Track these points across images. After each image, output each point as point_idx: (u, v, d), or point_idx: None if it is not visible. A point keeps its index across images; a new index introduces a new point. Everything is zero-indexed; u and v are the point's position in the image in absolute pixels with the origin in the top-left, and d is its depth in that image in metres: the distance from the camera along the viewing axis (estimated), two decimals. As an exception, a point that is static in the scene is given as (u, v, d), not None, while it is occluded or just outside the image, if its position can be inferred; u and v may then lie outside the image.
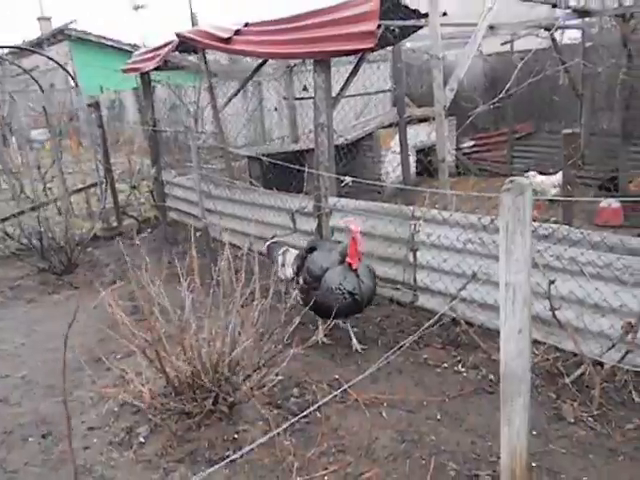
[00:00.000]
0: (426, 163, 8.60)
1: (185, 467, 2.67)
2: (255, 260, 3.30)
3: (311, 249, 4.00)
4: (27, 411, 3.17)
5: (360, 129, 9.01)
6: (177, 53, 6.35)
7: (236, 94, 6.16)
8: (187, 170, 7.23)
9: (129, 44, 19.94)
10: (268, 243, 4.59)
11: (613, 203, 5.93)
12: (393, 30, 4.10)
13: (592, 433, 2.81)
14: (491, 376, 3.36)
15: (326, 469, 2.65)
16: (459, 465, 2.63)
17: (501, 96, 4.51)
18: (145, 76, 6.78)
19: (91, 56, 19.32)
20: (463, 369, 3.46)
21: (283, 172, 7.05)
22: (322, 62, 4.43)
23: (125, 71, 6.81)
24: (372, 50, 4.15)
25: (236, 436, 2.90)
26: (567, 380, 3.15)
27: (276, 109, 9.26)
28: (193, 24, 16.10)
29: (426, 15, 4.13)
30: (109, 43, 20.56)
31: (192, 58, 7.25)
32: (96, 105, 6.85)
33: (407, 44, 8.21)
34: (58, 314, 4.63)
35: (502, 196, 1.99)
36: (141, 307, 4.45)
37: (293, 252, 4.25)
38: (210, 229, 6.17)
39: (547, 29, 7.26)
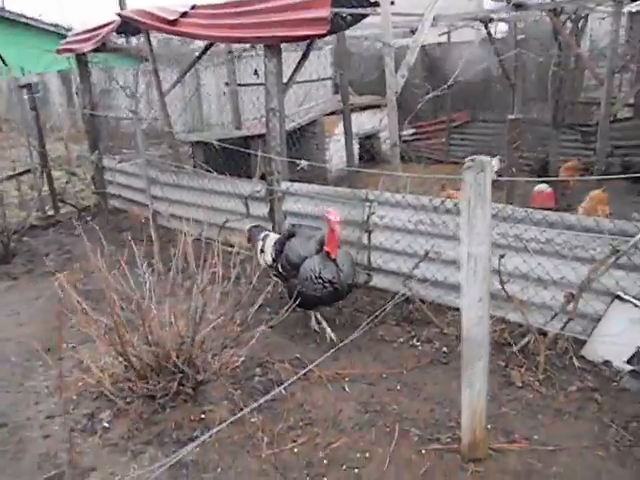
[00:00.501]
0: (371, 150, 8.77)
1: (153, 448, 2.67)
2: (205, 246, 3.28)
3: (290, 235, 3.92)
4: (-22, 403, 3.03)
5: (303, 116, 9.06)
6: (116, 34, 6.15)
7: (182, 77, 6.04)
8: (127, 156, 7.02)
9: (52, 24, 18.82)
10: (249, 227, 4.47)
11: (546, 188, 6.31)
12: (344, 17, 4.16)
13: (539, 396, 3.04)
14: (444, 348, 3.55)
15: (295, 442, 2.72)
16: (421, 430, 2.78)
17: (447, 84, 4.70)
18: (82, 57, 6.51)
19: (9, 36, 18.10)
20: (418, 343, 3.62)
21: (228, 158, 6.99)
22: (273, 47, 4.45)
23: (59, 52, 6.51)
24: (324, 36, 4.21)
25: (203, 416, 2.93)
26: (514, 349, 3.37)
27: (224, 94, 9.09)
28: (121, 7, 15.47)
29: (377, 4, 4.22)
30: (31, 22, 19.33)
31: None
32: (29, 87, 6.51)
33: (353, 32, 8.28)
34: (-2, 305, 4.43)
35: (464, 173, 2.12)
36: (91, 295, 4.37)
37: (273, 237, 4.15)
38: (157, 216, 6.05)
39: (482, 21, 7.59)
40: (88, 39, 6.02)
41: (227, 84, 9.01)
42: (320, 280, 3.47)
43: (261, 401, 2.69)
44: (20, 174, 7.27)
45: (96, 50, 6.20)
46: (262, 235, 4.23)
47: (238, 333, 3.20)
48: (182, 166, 5.74)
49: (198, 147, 7.94)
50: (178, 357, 2.96)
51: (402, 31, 10.02)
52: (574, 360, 3.26)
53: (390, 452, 2.62)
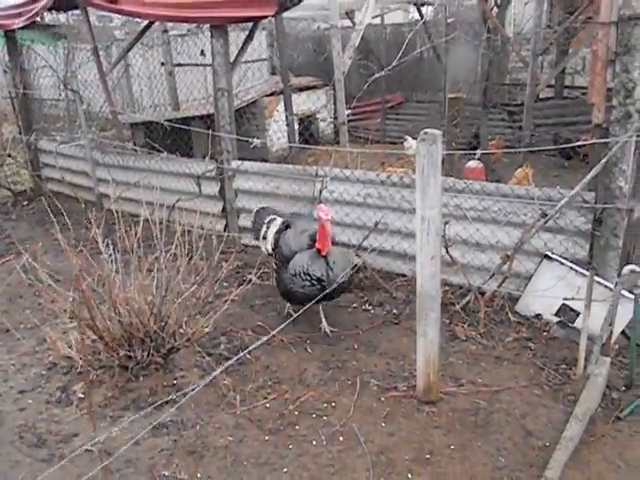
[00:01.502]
0: (308, 131, 8.96)
1: (131, 413, 2.79)
2: (157, 227, 3.37)
3: (286, 226, 3.77)
4: (-57, 384, 3.02)
5: (243, 97, 9.09)
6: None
7: (122, 57, 5.95)
8: (65, 138, 6.84)
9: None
10: (256, 209, 4.26)
11: (477, 164, 6.75)
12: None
13: (481, 347, 3.40)
14: (394, 310, 3.85)
15: (266, 398, 2.93)
16: (379, 381, 3.06)
17: (392, 66, 4.95)
18: (11, 34, 6.27)
19: None
20: (370, 307, 3.90)
21: (170, 140, 6.98)
22: (220, 28, 4.53)
23: (-13, 28, 6.23)
24: (273, 16, 4.33)
25: (175, 382, 3.07)
26: (457, 307, 3.72)
27: (171, 73, 8.89)
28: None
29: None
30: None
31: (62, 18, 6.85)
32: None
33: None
34: (-56, 291, 4.31)
35: (419, 145, 2.37)
36: (41, 278, 4.34)
37: (278, 223, 3.92)
38: (103, 199, 6.00)
39: (415, 4, 7.93)
40: (19, 14, 5.81)
41: (163, 64, 8.87)
42: (308, 277, 3.32)
43: (230, 362, 2.88)
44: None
45: (24, 27, 5.98)
46: (268, 219, 4.02)
47: (203, 304, 3.35)
48: (132, 147, 5.69)
49: (138, 129, 7.85)
50: (146, 327, 3.09)
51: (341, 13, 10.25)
52: (509, 315, 3.65)
53: (354, 401, 2.88)
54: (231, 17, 4.28)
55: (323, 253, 3.35)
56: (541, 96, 7.71)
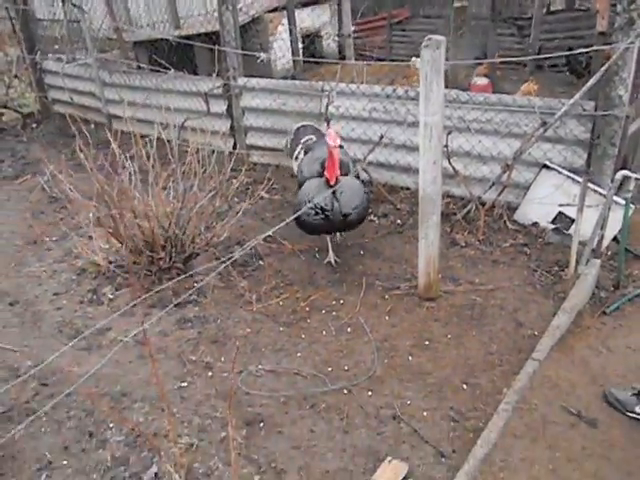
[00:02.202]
0: (312, 48, 8.80)
1: (158, 310, 3.07)
2: (168, 146, 3.49)
3: (306, 151, 3.64)
4: (-17, 287, 3.30)
5: (245, 13, 8.86)
6: None
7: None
8: (67, 58, 6.80)
9: None
10: (296, 127, 4.04)
11: (483, 80, 6.72)
12: None
13: (479, 252, 3.61)
14: (398, 221, 4.05)
15: (279, 297, 3.19)
16: (383, 282, 3.31)
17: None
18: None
19: None
20: (375, 218, 4.09)
21: (172, 59, 6.92)
22: (223, -64, 4.44)
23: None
24: None
25: (195, 285, 3.33)
26: (458, 217, 3.91)
27: None
28: None
29: None
30: None
31: None
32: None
33: None
34: (-33, 207, 4.53)
35: (422, 51, 2.46)
36: (58, 197, 4.54)
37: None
38: (112, 120, 6.07)
39: None
40: None
41: (163, -21, 8.58)
42: (312, 206, 3.18)
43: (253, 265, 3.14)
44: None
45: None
46: (305, 139, 3.84)
47: (217, 215, 3.56)
48: (139, 66, 5.69)
49: (141, 48, 7.75)
50: (168, 234, 3.31)
51: None
52: (507, 223, 3.84)
53: (360, 299, 3.14)
54: None
55: (331, 182, 3.18)
56: (552, 8, 7.52)
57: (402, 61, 8.82)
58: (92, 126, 6.28)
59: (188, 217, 3.36)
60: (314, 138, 3.81)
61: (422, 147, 2.65)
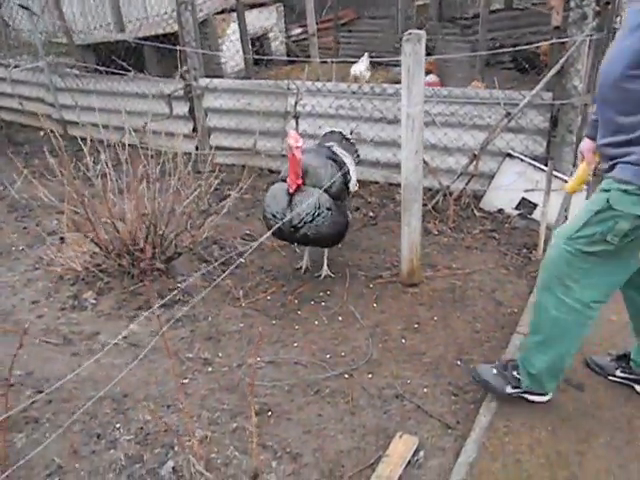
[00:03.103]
0: (260, 50, 8.83)
1: (145, 312, 3.03)
2: (126, 151, 3.43)
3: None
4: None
5: (193, 16, 8.78)
6: None
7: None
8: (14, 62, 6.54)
9: None
10: (325, 131, 3.83)
11: (433, 78, 6.97)
12: None
13: (452, 239, 3.78)
14: (370, 214, 4.16)
15: (265, 292, 3.23)
16: (366, 272, 3.40)
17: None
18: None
19: None
20: (348, 212, 4.19)
21: (121, 61, 6.79)
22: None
23: None
24: None
25: (179, 285, 3.31)
26: (429, 207, 4.06)
27: None
28: None
29: None
30: None
31: None
32: None
33: None
34: None
35: (403, 44, 2.57)
36: (18, 204, 4.39)
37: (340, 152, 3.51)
38: (67, 126, 5.89)
39: None
40: None
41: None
42: (264, 211, 3.07)
43: (235, 264, 3.16)
44: None
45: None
46: (328, 144, 3.58)
47: (195, 216, 3.55)
48: (96, 68, 5.55)
49: (88, 52, 7.55)
50: (147, 237, 3.27)
51: None
52: (475, 211, 4.03)
53: (346, 289, 3.22)
54: None
55: (291, 190, 2.94)
56: (491, 8, 7.85)
57: (349, 62, 9.01)
58: (42, 133, 6.09)
59: (167, 218, 3.34)
60: (334, 145, 3.57)
61: (404, 137, 2.76)
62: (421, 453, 2.11)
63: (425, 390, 2.43)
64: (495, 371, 2.33)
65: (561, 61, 3.32)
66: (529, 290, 3.15)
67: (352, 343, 2.76)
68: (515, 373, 2.28)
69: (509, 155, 3.87)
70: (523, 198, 3.91)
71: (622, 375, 2.43)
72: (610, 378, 2.45)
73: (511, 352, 2.56)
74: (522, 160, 3.82)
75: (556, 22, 3.35)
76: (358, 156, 3.85)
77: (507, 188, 3.88)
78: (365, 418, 2.30)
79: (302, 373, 2.57)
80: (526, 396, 2.29)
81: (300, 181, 2.96)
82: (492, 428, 2.17)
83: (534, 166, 3.78)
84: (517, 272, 3.38)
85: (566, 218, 3.50)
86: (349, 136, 3.80)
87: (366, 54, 6.49)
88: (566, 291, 2.02)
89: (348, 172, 3.39)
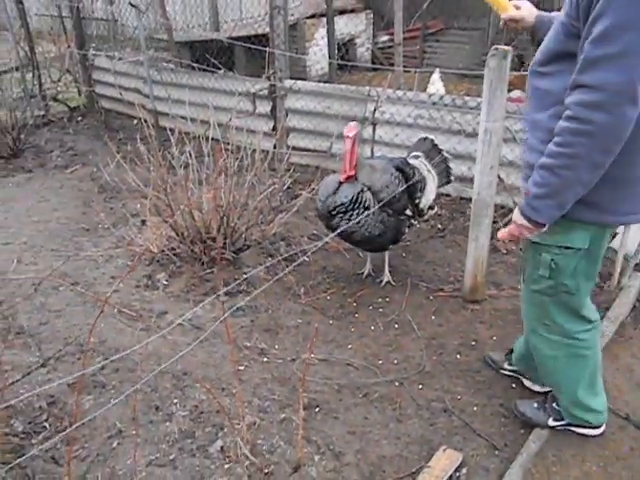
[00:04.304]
0: (346, 56, 8.96)
1: (210, 298, 3.19)
2: (209, 144, 3.59)
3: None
4: (45, 268, 3.43)
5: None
6: None
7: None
8: (122, 55, 7.01)
9: None
10: (419, 137, 3.80)
11: (517, 93, 6.80)
12: None
13: (520, 259, 3.69)
14: (439, 226, 4.14)
15: (326, 292, 3.30)
16: (427, 284, 3.39)
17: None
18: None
19: None
20: (416, 222, 4.18)
21: (212, 59, 7.10)
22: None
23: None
24: None
25: (245, 276, 3.45)
26: (500, 224, 3.96)
27: None
28: None
29: None
30: None
31: None
32: (12, -22, 6.34)
33: None
34: (25, 194, 4.70)
35: (488, 59, 2.56)
36: (108, 186, 4.70)
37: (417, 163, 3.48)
38: (158, 117, 6.24)
39: None
40: None
41: (206, -17, 8.83)
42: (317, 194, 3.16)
43: (299, 261, 3.25)
44: (4, 72, 7.18)
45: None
46: (412, 154, 3.59)
47: (266, 212, 3.68)
48: (190, 65, 5.86)
49: (184, 48, 7.97)
50: (220, 228, 3.44)
51: None
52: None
53: (405, 298, 3.24)
54: None
55: (342, 179, 2.98)
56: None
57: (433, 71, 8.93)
58: (135, 122, 6.49)
59: (240, 211, 3.48)
60: (419, 155, 3.56)
61: (480, 152, 2.75)
62: (464, 470, 2.10)
63: (475, 408, 2.41)
64: (536, 405, 2.30)
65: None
66: (597, 320, 3.03)
67: (406, 352, 2.78)
68: (555, 405, 2.24)
69: (590, 179, 3.73)
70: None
71: (509, 368, 2.58)
72: (501, 371, 2.61)
73: (569, 381, 2.49)
74: (604, 185, 3.66)
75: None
76: (449, 174, 3.65)
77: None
78: (411, 427, 2.31)
79: (353, 375, 2.61)
80: (574, 429, 2.24)
81: (352, 172, 2.98)
82: (541, 455, 2.13)
83: (616, 192, 3.61)
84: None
85: (646, 249, 3.34)
86: (442, 149, 3.66)
87: (437, 70, 6.42)
88: (549, 329, 2.07)
89: (419, 188, 3.34)
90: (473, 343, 2.86)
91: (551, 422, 2.24)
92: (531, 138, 1.87)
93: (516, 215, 1.81)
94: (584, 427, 2.22)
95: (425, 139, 3.68)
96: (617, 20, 1.44)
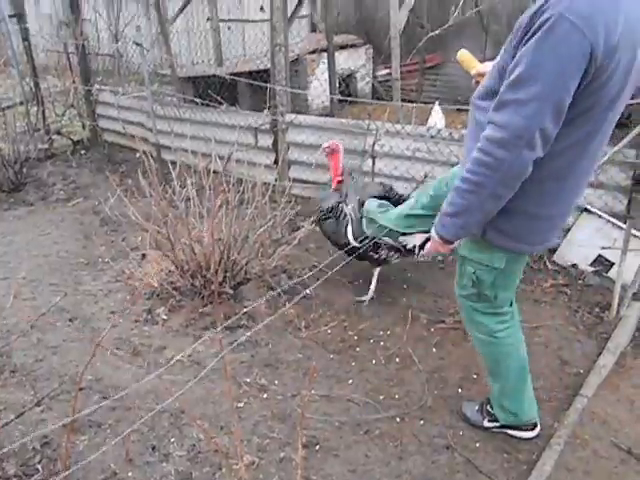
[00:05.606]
0: (347, 89, 9.12)
1: (210, 332, 3.18)
2: (210, 177, 3.62)
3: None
4: (43, 303, 3.43)
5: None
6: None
7: (183, 9, 6.19)
8: (125, 90, 7.14)
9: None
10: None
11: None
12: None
13: (521, 290, 3.65)
14: (439, 257, 4.14)
15: (327, 325, 3.28)
16: (428, 315, 3.38)
17: (447, 25, 5.07)
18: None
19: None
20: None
21: (219, 94, 7.24)
22: (280, -16, 4.72)
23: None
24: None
25: (245, 310, 3.43)
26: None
27: (216, 29, 9.02)
28: None
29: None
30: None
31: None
32: (19, 16, 6.51)
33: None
34: (26, 227, 4.72)
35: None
36: (109, 220, 4.73)
37: None
38: (161, 150, 6.32)
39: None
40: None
41: (209, 19, 9.05)
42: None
43: (302, 294, 3.24)
44: (8, 107, 7.30)
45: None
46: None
47: (268, 244, 3.69)
48: (192, 100, 5.96)
49: (188, 83, 8.13)
50: (220, 262, 3.44)
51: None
52: (548, 264, 3.91)
53: (406, 330, 3.22)
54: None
55: (333, 186, 3.66)
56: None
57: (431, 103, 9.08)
58: (137, 155, 6.57)
59: (241, 245, 3.50)
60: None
61: (476, 186, 2.76)
62: (467, 509, 2.06)
63: (477, 444, 2.38)
64: (477, 407, 2.50)
65: (648, 119, 3.21)
66: (598, 351, 3.01)
67: (407, 386, 2.75)
68: (489, 407, 2.43)
69: (586, 210, 3.75)
70: (599, 255, 3.76)
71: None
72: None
73: (572, 415, 2.46)
74: (600, 216, 3.69)
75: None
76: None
77: (583, 244, 3.75)
78: (412, 465, 2.27)
79: (354, 411, 2.58)
80: (509, 431, 2.41)
81: (340, 177, 3.63)
82: (544, 493, 2.09)
83: (612, 223, 3.63)
84: (587, 331, 3.24)
85: (645, 279, 3.34)
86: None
87: (437, 103, 6.53)
88: (477, 328, 2.30)
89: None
90: (475, 376, 2.83)
91: (486, 423, 2.44)
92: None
93: (432, 231, 2.02)
94: (518, 429, 2.39)
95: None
96: (528, 71, 1.60)
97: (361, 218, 3.41)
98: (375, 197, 3.50)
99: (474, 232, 1.95)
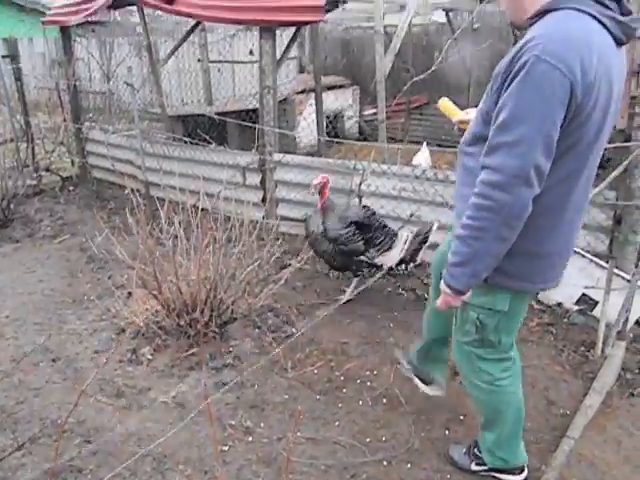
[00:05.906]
0: (334, 129, 9.29)
1: (196, 373, 3.15)
2: (198, 215, 3.65)
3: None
4: (26, 343, 3.39)
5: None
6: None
7: (174, 51, 6.33)
8: (115, 128, 7.22)
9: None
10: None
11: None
12: (336, 2, 4.64)
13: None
14: (425, 295, 4.15)
15: (313, 365, 3.26)
16: (415, 356, 3.38)
17: (431, 69, 5.26)
18: (67, 30, 6.67)
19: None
20: (403, 292, 4.22)
21: (207, 133, 7.35)
22: (269, 30, 4.87)
23: (45, 23, 6.66)
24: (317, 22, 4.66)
25: (231, 349, 3.41)
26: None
27: (206, 70, 9.22)
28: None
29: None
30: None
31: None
32: (12, 57, 6.61)
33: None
34: (11, 265, 4.69)
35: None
36: (95, 257, 4.71)
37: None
38: (149, 187, 6.36)
39: (445, 9, 8.22)
40: (76, 12, 6.20)
41: (200, 60, 9.25)
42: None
43: (298, 335, 3.24)
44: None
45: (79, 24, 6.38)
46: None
47: (254, 283, 3.70)
48: (181, 138, 6.04)
49: (177, 122, 8.24)
50: (207, 301, 3.44)
51: (366, 16, 10.58)
52: (533, 303, 3.95)
53: (393, 370, 3.21)
54: (282, 21, 4.61)
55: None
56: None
57: (419, 143, 9.29)
58: (126, 192, 6.59)
59: (228, 283, 3.50)
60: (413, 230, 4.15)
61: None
62: None
63: (465, 488, 2.35)
64: (464, 450, 2.48)
65: (624, 163, 3.32)
66: (584, 391, 3.02)
67: (394, 428, 2.73)
68: (476, 451, 2.42)
69: (571, 250, 3.81)
70: (583, 294, 3.81)
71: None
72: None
73: (559, 457, 2.45)
74: (583, 256, 3.75)
75: (620, 125, 3.38)
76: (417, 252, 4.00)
77: (566, 283, 3.79)
78: (399, 510, 2.24)
79: (340, 454, 2.55)
80: (496, 474, 2.40)
81: (323, 203, 3.97)
82: (533, 539, 2.06)
83: (595, 263, 3.70)
84: (573, 371, 3.25)
85: (627, 318, 3.38)
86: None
87: (424, 144, 6.69)
88: (477, 375, 2.24)
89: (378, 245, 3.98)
90: (462, 417, 2.82)
91: (473, 467, 2.43)
92: (459, 209, 2.00)
93: (441, 284, 1.95)
94: (506, 472, 2.38)
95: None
96: (514, 113, 1.64)
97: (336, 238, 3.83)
98: (356, 222, 3.85)
99: (484, 278, 1.88)
